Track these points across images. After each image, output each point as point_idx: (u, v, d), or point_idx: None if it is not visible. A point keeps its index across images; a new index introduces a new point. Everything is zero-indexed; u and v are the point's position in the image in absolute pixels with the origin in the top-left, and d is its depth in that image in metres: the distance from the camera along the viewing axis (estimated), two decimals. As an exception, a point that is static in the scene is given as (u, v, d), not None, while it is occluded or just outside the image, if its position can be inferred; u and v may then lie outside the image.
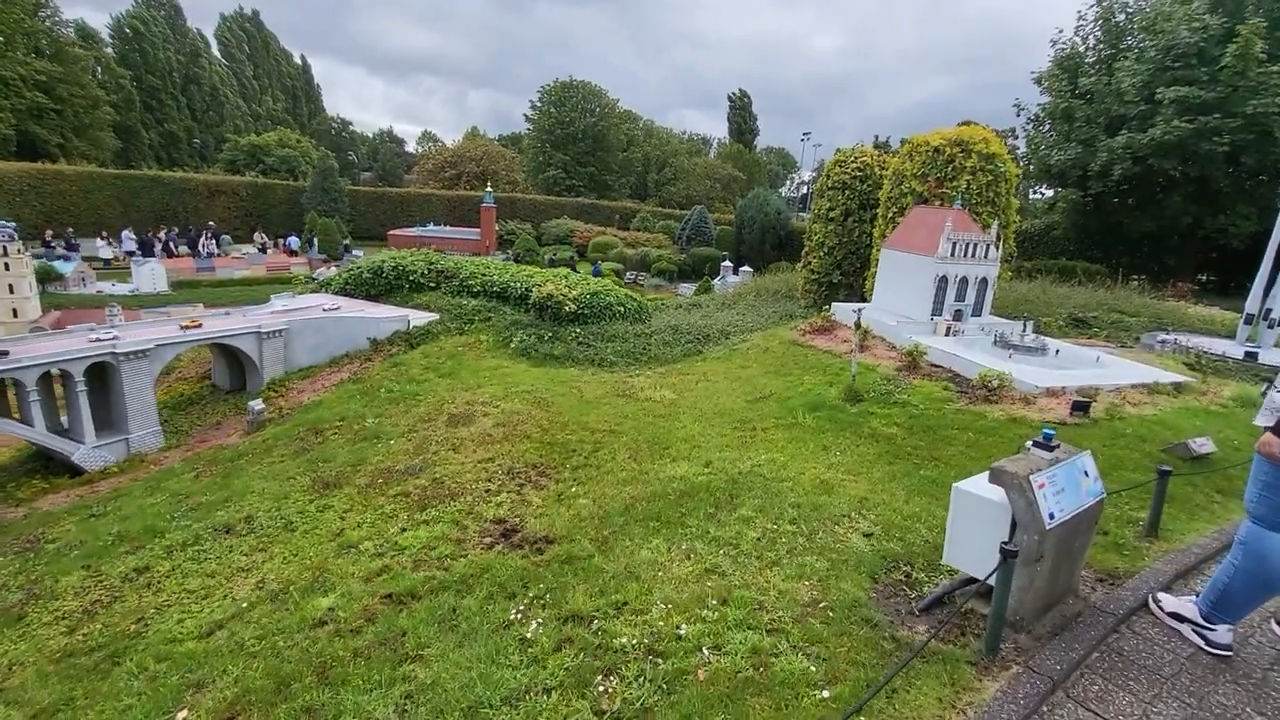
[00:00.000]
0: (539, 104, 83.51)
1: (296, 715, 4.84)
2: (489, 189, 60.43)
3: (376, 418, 12.89)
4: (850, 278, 21.87)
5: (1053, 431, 5.44)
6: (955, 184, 17.36)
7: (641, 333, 17.34)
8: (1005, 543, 4.64)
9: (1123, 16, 33.95)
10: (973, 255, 14.59)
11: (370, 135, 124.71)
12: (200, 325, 15.01)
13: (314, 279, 22.00)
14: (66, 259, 34.55)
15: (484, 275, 19.44)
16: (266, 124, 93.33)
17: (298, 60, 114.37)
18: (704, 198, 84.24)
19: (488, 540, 8.10)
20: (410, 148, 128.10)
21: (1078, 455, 5.64)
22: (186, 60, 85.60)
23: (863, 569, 6.41)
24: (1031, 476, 5.11)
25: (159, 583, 7.69)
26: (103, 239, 43.60)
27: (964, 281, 14.69)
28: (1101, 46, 34.81)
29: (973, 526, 5.46)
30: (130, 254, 38.82)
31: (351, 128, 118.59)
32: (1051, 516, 5.09)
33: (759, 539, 7.18)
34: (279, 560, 7.97)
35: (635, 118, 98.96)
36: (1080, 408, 9.26)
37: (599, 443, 11.10)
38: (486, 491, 9.52)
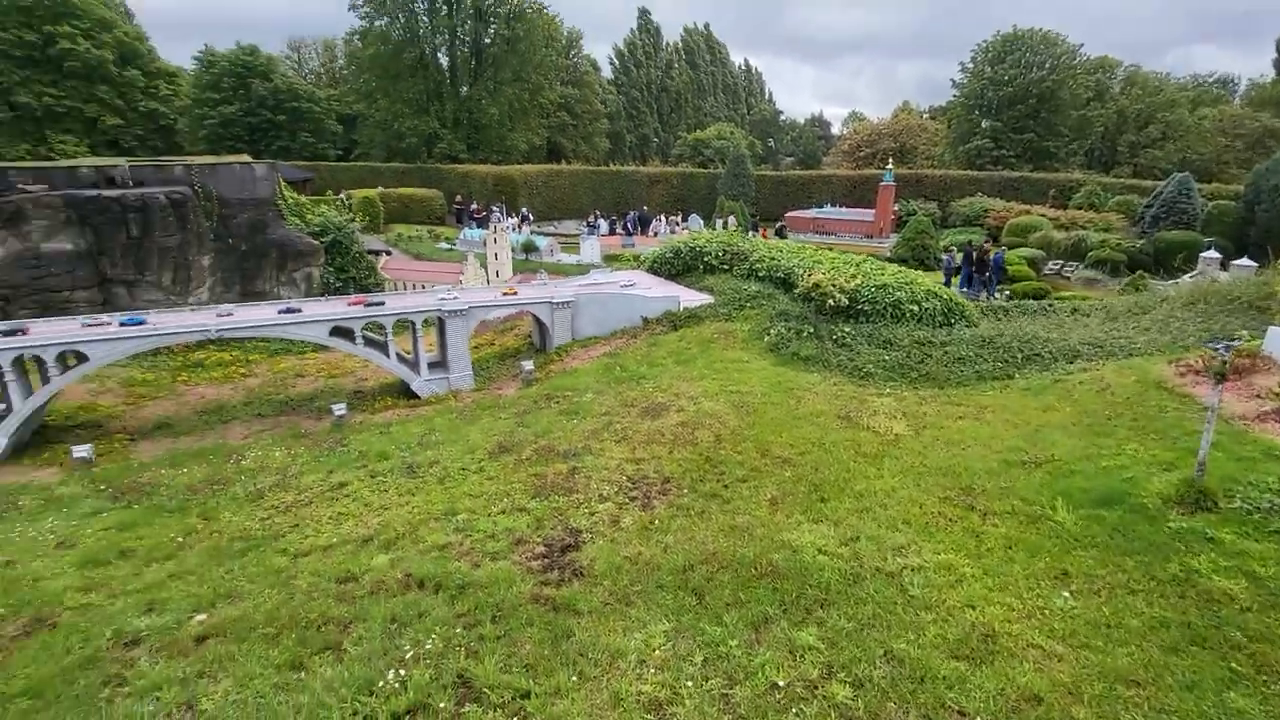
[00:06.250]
0: (970, 65, 72.49)
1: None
2: (889, 166, 55.97)
3: (595, 395, 13.27)
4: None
5: None
6: None
7: (926, 341, 13.39)
8: None
9: None
10: None
11: (800, 121, 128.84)
12: (515, 294, 17.98)
13: (639, 257, 23.95)
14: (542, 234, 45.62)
15: (772, 259, 17.88)
16: (709, 120, 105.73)
17: (740, 63, 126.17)
18: (1212, 162, 60.92)
19: (539, 551, 7.42)
20: (836, 130, 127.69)
21: None
22: (661, 73, 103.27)
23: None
24: None
25: (333, 499, 9.53)
26: (588, 223, 54.74)
27: None
28: None
29: None
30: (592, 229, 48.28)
31: (782, 116, 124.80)
32: None
33: (775, 689, 4.63)
34: (405, 510, 8.93)
35: (1110, 65, 77.19)
36: None
37: (757, 471, 9.01)
38: (599, 497, 8.76)
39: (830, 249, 25.36)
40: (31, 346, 12.75)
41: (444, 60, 67.20)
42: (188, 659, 5.82)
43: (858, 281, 14.89)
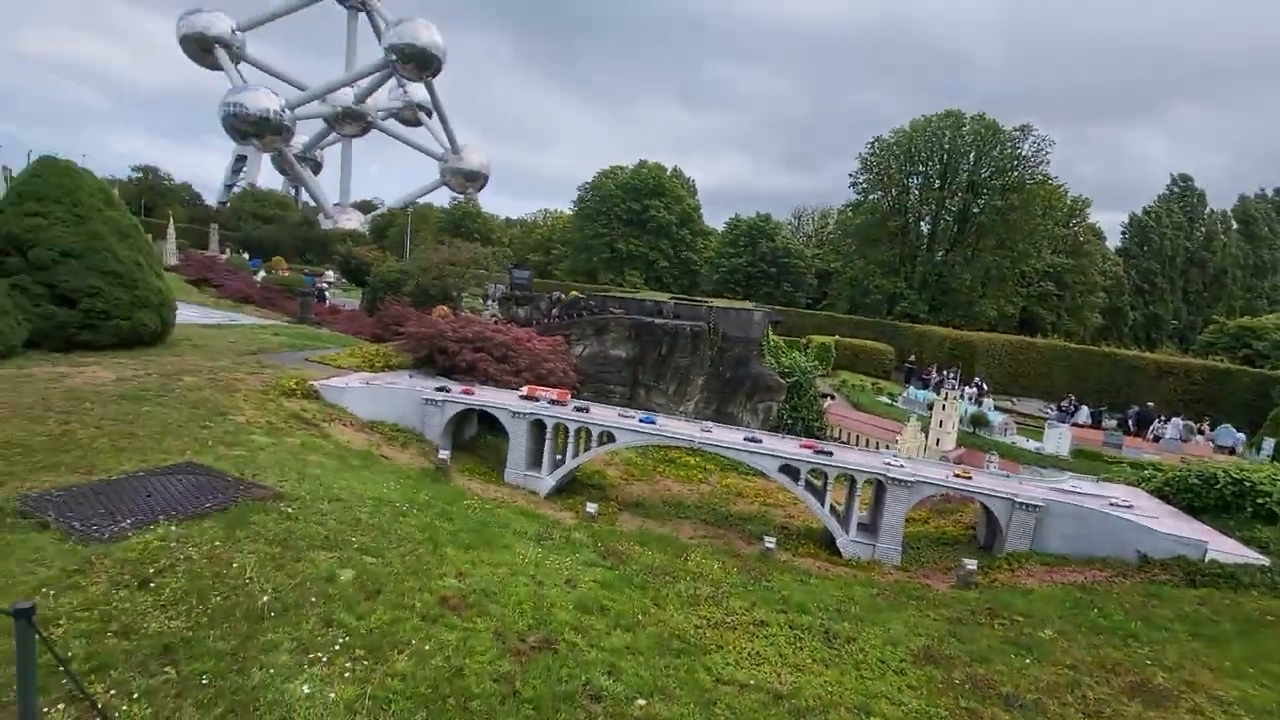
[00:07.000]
0: None
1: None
2: None
3: (1058, 634, 10.81)
4: None
5: None
6: None
7: None
8: None
9: None
10: None
11: None
12: (970, 478, 16.29)
13: (1140, 469, 18.77)
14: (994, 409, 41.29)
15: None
16: (1266, 305, 79.94)
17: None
18: None
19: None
20: None
21: None
22: (1196, 245, 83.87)
23: None
24: None
25: (753, 634, 10.03)
26: (1060, 407, 46.74)
27: None
28: None
29: None
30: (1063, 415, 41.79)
31: None
32: None
33: None
34: (819, 680, 8.83)
35: None
36: None
37: None
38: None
39: None
40: (590, 423, 18.02)
41: (925, 227, 69.23)
42: (629, 738, 6.85)
43: None
